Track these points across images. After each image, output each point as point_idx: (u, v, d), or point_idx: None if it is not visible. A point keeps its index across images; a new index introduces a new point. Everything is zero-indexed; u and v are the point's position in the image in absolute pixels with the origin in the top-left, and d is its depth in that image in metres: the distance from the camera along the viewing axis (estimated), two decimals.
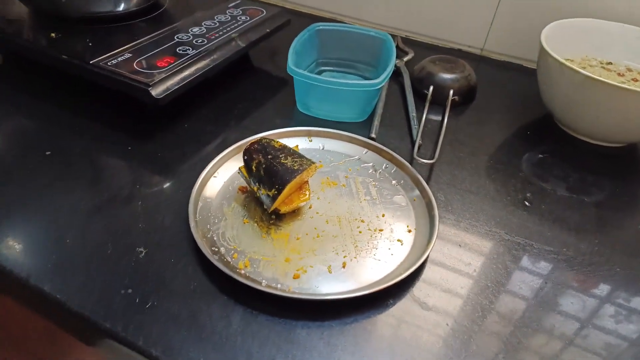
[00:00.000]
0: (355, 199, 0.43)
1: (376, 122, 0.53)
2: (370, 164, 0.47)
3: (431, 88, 0.57)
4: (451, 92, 0.57)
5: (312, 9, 0.81)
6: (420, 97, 0.59)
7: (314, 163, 0.39)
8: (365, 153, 0.48)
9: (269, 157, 0.38)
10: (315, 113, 0.54)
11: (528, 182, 0.48)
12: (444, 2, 0.70)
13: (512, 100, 0.61)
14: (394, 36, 0.71)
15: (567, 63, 0.47)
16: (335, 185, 0.44)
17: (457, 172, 0.48)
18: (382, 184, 0.45)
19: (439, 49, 0.74)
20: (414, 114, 0.55)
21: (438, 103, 0.58)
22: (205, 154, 0.46)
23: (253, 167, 0.38)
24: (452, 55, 0.72)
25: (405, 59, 0.67)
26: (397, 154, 0.47)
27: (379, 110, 0.55)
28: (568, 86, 0.49)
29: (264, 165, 0.38)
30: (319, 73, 0.63)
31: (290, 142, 0.48)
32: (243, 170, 0.40)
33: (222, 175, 0.43)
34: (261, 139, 0.40)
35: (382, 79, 0.50)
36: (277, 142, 0.40)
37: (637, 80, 0.55)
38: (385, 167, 0.46)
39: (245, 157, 0.39)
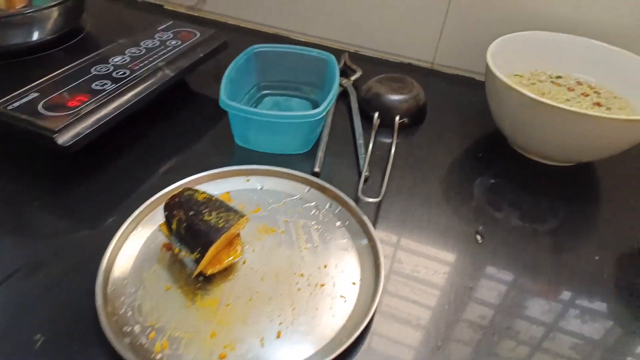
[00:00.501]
0: (295, 248, 0.39)
1: (320, 153, 0.50)
2: (313, 204, 0.43)
3: (376, 115, 0.54)
4: (397, 118, 0.54)
5: (256, 25, 0.77)
6: (369, 120, 0.56)
7: (243, 216, 0.35)
8: (308, 191, 0.44)
9: (191, 213, 0.33)
10: (255, 146, 0.50)
11: (481, 211, 0.45)
12: (391, 16, 0.67)
13: (463, 116, 0.59)
14: (342, 52, 0.68)
15: (514, 85, 0.44)
16: (274, 233, 0.40)
17: (406, 203, 0.45)
18: (326, 227, 0.41)
19: (389, 64, 0.71)
20: (361, 141, 0.52)
21: (387, 125, 0.55)
22: (126, 206, 0.41)
23: (173, 225, 0.34)
24: (403, 69, 0.70)
25: (353, 77, 0.63)
26: (343, 189, 0.44)
27: (324, 138, 0.52)
28: (515, 107, 0.46)
29: (185, 224, 0.33)
30: (261, 98, 0.59)
31: (225, 184, 0.44)
32: (164, 228, 0.35)
33: (144, 230, 0.38)
34: (184, 189, 0.36)
35: (323, 108, 0.46)
36: (202, 193, 0.36)
37: (587, 95, 0.53)
38: (329, 207, 0.43)
39: (166, 213, 0.35)
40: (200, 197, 0.35)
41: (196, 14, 0.80)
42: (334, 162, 0.50)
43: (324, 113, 0.46)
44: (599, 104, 0.51)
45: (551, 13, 0.59)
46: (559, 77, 0.56)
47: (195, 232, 0.33)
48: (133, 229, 0.38)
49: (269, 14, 0.75)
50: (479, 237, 0.42)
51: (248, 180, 0.45)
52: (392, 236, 0.42)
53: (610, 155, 0.47)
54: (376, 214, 0.44)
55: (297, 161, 0.49)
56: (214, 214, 0.33)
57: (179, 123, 0.54)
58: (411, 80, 0.58)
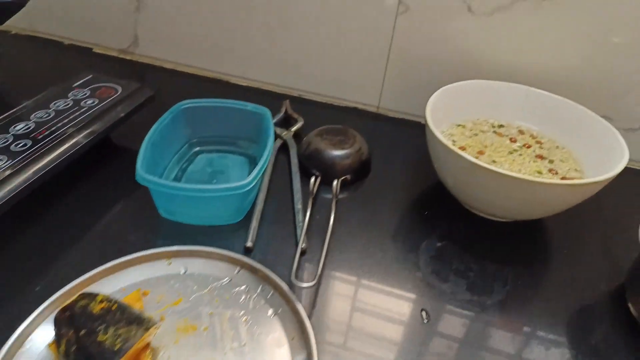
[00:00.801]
0: (218, 350, 0.34)
1: (254, 222, 0.45)
2: (244, 287, 0.39)
3: (312, 179, 0.50)
4: (335, 183, 0.50)
5: (194, 68, 0.73)
6: (309, 177, 0.53)
7: (150, 327, 0.30)
8: (238, 272, 0.40)
9: (82, 333, 0.28)
10: (182, 218, 0.45)
11: (426, 284, 0.42)
12: (334, 59, 0.65)
13: (409, 165, 0.56)
14: (284, 97, 0.64)
15: (454, 148, 0.42)
16: (195, 331, 0.35)
17: (346, 282, 0.42)
18: (256, 318, 0.37)
19: (333, 108, 0.68)
20: (300, 206, 0.48)
21: (329, 183, 0.51)
22: (15, 315, 0.34)
23: (62, 347, 0.29)
24: (348, 114, 0.67)
25: (295, 128, 0.60)
26: (278, 267, 0.40)
27: (260, 204, 0.48)
28: (456, 169, 0.44)
29: (74, 346, 0.28)
30: (194, 156, 0.54)
31: (142, 270, 0.39)
32: (53, 348, 0.30)
33: (36, 345, 0.33)
34: (78, 298, 0.31)
35: (252, 179, 0.42)
36: (100, 301, 0.30)
37: (529, 147, 0.52)
38: (261, 291, 0.39)
39: (55, 330, 0.30)
40: (96, 309, 0.30)
41: (128, 57, 0.74)
42: (270, 233, 0.46)
43: (253, 184, 0.42)
44: (541, 157, 0.50)
45: (492, 60, 0.58)
46: (501, 126, 0.55)
47: (89, 356, 0.28)
48: (21, 345, 0.32)
49: (206, 57, 0.71)
50: (424, 315, 0.39)
51: (170, 264, 0.40)
52: (330, 324, 0.38)
53: (556, 213, 0.45)
54: (313, 299, 0.40)
55: (231, 232, 0.45)
56: (110, 331, 0.28)
57: (94, 191, 0.48)
58: (354, 132, 0.55)
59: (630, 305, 0.40)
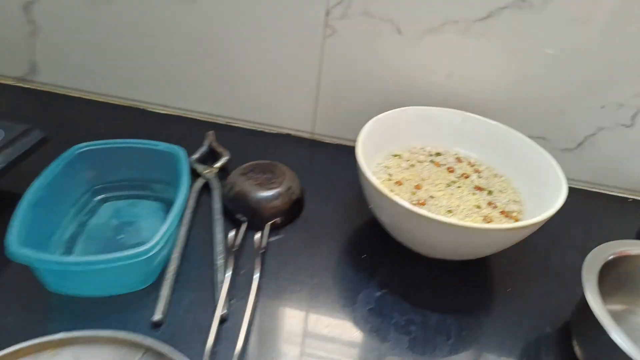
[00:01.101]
0: None
1: (165, 289, 0.39)
2: None
3: (233, 232, 0.43)
4: (258, 236, 0.45)
5: (105, 96, 0.65)
6: (236, 223, 0.47)
7: None
8: (142, 357, 0.34)
9: None
10: (75, 292, 0.38)
11: (365, 347, 0.38)
12: (263, 84, 0.59)
13: (345, 199, 0.52)
14: (210, 125, 0.58)
15: (389, 193, 0.38)
16: None
17: (274, 350, 0.36)
18: None
19: (264, 136, 0.63)
20: (221, 261, 0.42)
21: (257, 229, 0.46)
22: None
23: None
24: (281, 141, 0.62)
25: (219, 164, 0.54)
26: (192, 345, 0.34)
27: (174, 264, 0.41)
28: (392, 213, 0.40)
29: None
30: (98, 205, 0.47)
31: None
32: None
33: None
34: None
35: (158, 240, 0.36)
36: None
37: (467, 177, 0.49)
38: None
39: None
40: None
41: (27, 86, 0.65)
42: (185, 298, 0.39)
43: (159, 246, 0.36)
44: (480, 188, 0.47)
45: (426, 84, 0.55)
46: (438, 154, 0.52)
47: None
48: None
49: (119, 84, 0.63)
50: None
51: (54, 355, 0.33)
52: None
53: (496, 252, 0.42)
54: None
55: (138, 301, 0.38)
56: None
57: None
58: (283, 168, 0.50)
59: (575, 344, 0.38)
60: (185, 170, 0.44)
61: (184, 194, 0.41)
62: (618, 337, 0.32)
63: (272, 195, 0.47)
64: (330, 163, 0.59)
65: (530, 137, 0.55)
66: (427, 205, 0.44)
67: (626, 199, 0.57)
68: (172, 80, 0.62)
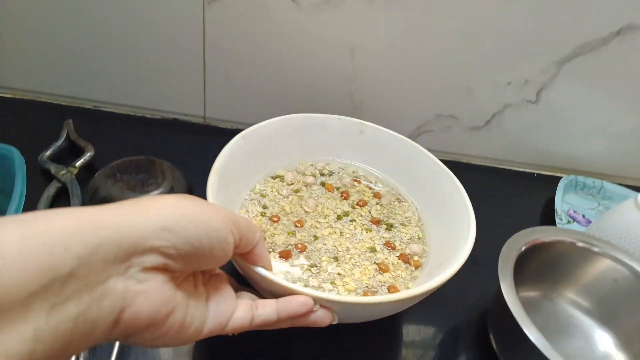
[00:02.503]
0: None
1: None
2: None
3: None
4: None
5: None
6: None
7: None
8: None
9: None
10: None
11: None
12: (142, 59, 0.49)
13: None
14: (68, 113, 0.46)
15: (268, 275, 0.26)
16: None
17: None
18: None
19: (146, 123, 0.53)
20: None
21: None
22: None
23: None
24: (167, 127, 0.52)
25: (80, 162, 0.43)
26: None
27: None
28: (254, 280, 0.28)
29: None
30: None
31: None
32: None
33: None
34: None
35: None
36: None
37: (364, 204, 0.40)
38: None
39: None
40: None
41: None
42: None
43: None
44: (377, 222, 0.39)
45: (322, 60, 0.48)
46: (331, 173, 0.43)
47: None
48: None
49: None
50: None
51: None
52: None
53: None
54: None
55: None
56: None
57: None
58: (163, 165, 0.41)
59: (491, 335, 0.35)
60: (20, 174, 0.33)
61: (15, 205, 0.31)
62: (528, 330, 0.29)
63: None
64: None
65: (440, 115, 0.53)
66: (307, 252, 0.35)
67: (532, 174, 0.56)
68: (18, 54, 0.48)
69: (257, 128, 0.39)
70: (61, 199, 0.40)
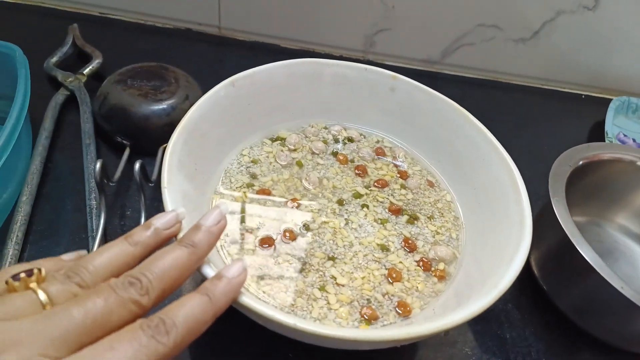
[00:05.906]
0: None
1: (10, 248, 0.28)
2: None
3: (98, 167, 0.29)
4: (137, 166, 0.30)
5: None
6: (116, 149, 0.35)
7: None
8: None
9: None
10: None
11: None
12: None
13: None
14: (74, 19, 0.43)
15: (262, 309, 0.19)
16: None
17: None
18: None
19: (155, 31, 0.49)
20: (94, 201, 0.31)
21: (146, 154, 0.35)
22: None
23: None
24: (179, 38, 0.48)
25: (88, 69, 0.40)
26: None
27: (22, 211, 0.30)
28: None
29: None
30: None
31: None
32: None
33: None
34: None
35: None
36: None
37: (384, 185, 0.32)
38: None
39: None
40: None
41: None
42: (43, 253, 0.29)
43: None
44: (398, 210, 0.30)
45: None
46: (349, 140, 0.34)
47: None
48: None
49: None
50: None
51: None
52: None
53: None
54: None
55: None
56: None
57: None
58: (176, 72, 0.38)
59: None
60: (23, 75, 0.30)
61: (20, 107, 0.29)
62: (584, 252, 0.27)
63: (163, 109, 0.35)
64: (243, 67, 0.47)
65: (482, 25, 0.47)
66: (296, 241, 0.27)
67: (579, 95, 0.51)
68: None
69: (253, 73, 0.31)
70: (70, 108, 0.38)
